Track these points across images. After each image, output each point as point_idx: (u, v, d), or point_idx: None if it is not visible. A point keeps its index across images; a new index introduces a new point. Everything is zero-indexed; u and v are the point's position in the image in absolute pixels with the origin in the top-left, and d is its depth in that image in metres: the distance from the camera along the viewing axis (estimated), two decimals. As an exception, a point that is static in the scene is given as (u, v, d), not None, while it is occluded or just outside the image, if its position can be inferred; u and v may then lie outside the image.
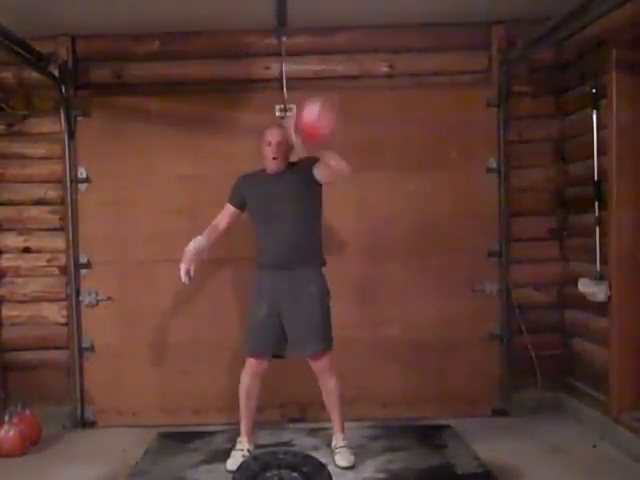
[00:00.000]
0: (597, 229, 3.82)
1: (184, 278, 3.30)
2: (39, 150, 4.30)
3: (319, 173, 3.33)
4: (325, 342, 3.39)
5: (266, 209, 3.42)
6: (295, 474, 2.90)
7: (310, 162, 3.35)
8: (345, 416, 3.52)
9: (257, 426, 3.61)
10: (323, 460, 3.09)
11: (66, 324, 4.30)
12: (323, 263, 3.46)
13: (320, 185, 3.40)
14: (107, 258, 4.25)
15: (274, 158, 3.38)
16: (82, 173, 4.24)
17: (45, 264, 4.32)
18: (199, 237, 3.39)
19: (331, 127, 3.01)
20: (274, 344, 3.40)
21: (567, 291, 4.29)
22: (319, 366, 3.41)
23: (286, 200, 3.37)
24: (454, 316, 4.22)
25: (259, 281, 3.45)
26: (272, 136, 3.39)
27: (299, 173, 3.40)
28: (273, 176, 3.42)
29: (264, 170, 3.47)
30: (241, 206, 3.50)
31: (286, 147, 3.39)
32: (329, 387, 3.45)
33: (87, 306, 4.25)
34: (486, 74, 4.30)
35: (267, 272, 3.41)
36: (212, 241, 3.45)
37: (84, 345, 4.25)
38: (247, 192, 3.48)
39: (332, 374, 3.43)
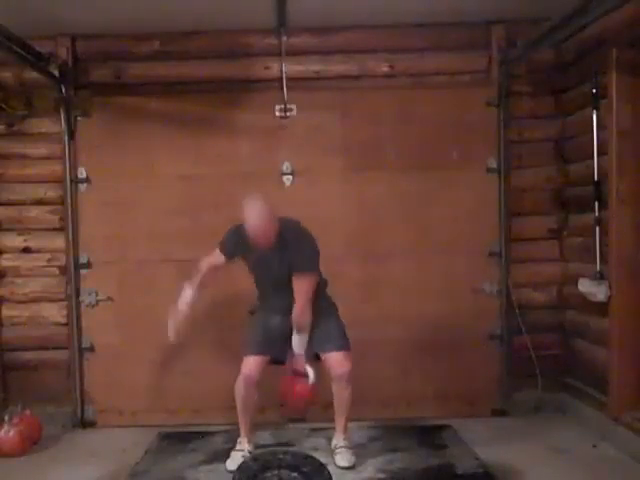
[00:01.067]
0: (597, 229, 3.82)
1: (172, 337, 3.30)
2: (39, 150, 4.30)
3: (294, 279, 3.27)
4: (345, 341, 3.40)
5: (263, 271, 3.38)
6: (295, 474, 2.90)
7: (299, 265, 3.26)
8: (348, 421, 3.52)
9: (257, 426, 3.61)
10: (323, 460, 3.09)
11: (66, 324, 4.30)
12: (325, 284, 3.48)
13: None
14: (107, 258, 4.25)
15: (262, 241, 3.20)
16: (82, 173, 4.24)
17: (45, 264, 4.32)
18: (188, 291, 3.34)
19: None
20: (277, 349, 3.39)
21: (567, 291, 4.29)
22: (340, 371, 3.35)
23: (276, 271, 3.31)
24: (454, 316, 4.22)
25: (265, 301, 3.48)
26: (256, 221, 3.13)
27: (287, 259, 3.26)
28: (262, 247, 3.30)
29: None
30: (232, 259, 3.41)
31: (272, 225, 3.18)
32: (343, 397, 3.41)
33: (87, 306, 4.25)
34: (486, 74, 4.29)
35: (270, 313, 3.44)
36: (202, 287, 3.40)
37: (84, 345, 4.25)
38: (241, 251, 3.37)
39: (349, 384, 3.38)
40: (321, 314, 3.35)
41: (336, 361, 3.36)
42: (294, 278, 3.27)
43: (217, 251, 3.41)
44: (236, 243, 3.35)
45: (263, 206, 3.17)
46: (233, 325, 4.09)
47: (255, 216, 3.14)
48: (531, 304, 4.32)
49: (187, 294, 3.35)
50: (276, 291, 3.38)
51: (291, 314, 3.27)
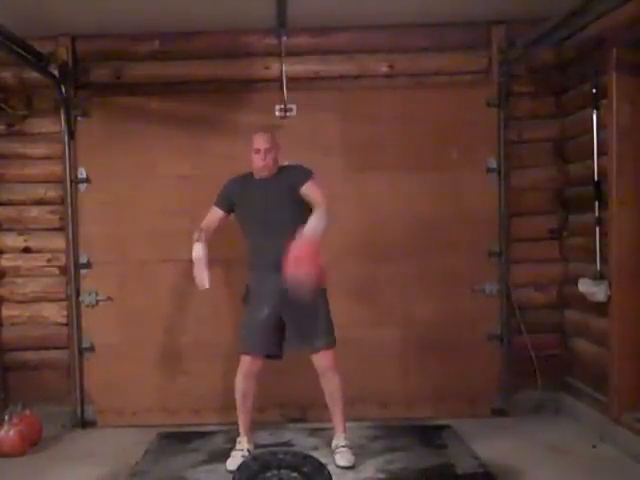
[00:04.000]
0: (597, 229, 3.82)
1: (206, 284, 3.31)
2: (39, 150, 4.30)
3: (305, 194, 3.36)
4: (331, 337, 3.42)
5: (255, 213, 3.44)
6: (295, 474, 2.90)
7: (300, 177, 3.38)
8: (346, 416, 3.51)
9: (257, 426, 3.61)
10: (323, 460, 3.08)
11: (66, 324, 4.30)
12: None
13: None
14: (107, 258, 4.25)
15: (262, 165, 3.42)
16: (82, 173, 4.24)
17: (45, 264, 4.32)
18: (198, 243, 3.37)
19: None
20: (271, 344, 3.41)
21: (567, 291, 4.29)
22: (324, 364, 3.41)
23: (274, 205, 3.39)
24: (454, 316, 4.22)
25: (257, 282, 3.45)
26: (260, 143, 3.43)
27: (287, 182, 3.41)
28: (261, 180, 3.45)
29: (252, 173, 3.50)
30: (229, 210, 3.53)
31: (275, 153, 3.44)
32: (332, 386, 3.44)
33: (87, 306, 4.25)
34: (486, 74, 4.30)
35: (262, 274, 3.41)
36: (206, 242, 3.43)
37: (84, 345, 4.25)
38: (235, 196, 3.51)
39: (335, 373, 3.43)
40: (311, 302, 3.33)
41: (323, 357, 3.40)
42: (302, 190, 3.35)
43: (213, 208, 3.53)
44: (232, 187, 3.54)
45: (272, 136, 3.49)
46: (233, 326, 4.09)
47: (263, 137, 3.45)
48: (531, 304, 4.32)
49: (199, 246, 3.35)
50: (269, 239, 3.35)
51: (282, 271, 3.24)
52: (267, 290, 3.38)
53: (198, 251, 3.35)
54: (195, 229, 3.43)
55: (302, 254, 3.09)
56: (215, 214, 3.53)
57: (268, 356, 3.44)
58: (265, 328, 3.39)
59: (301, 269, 3.07)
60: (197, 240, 3.37)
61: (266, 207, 3.41)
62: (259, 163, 3.43)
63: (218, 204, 3.53)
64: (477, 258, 4.25)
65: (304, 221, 3.34)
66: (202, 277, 3.33)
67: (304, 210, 3.36)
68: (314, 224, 3.19)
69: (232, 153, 4.13)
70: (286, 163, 3.56)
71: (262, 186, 3.44)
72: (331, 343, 3.42)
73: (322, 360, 3.41)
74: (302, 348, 3.41)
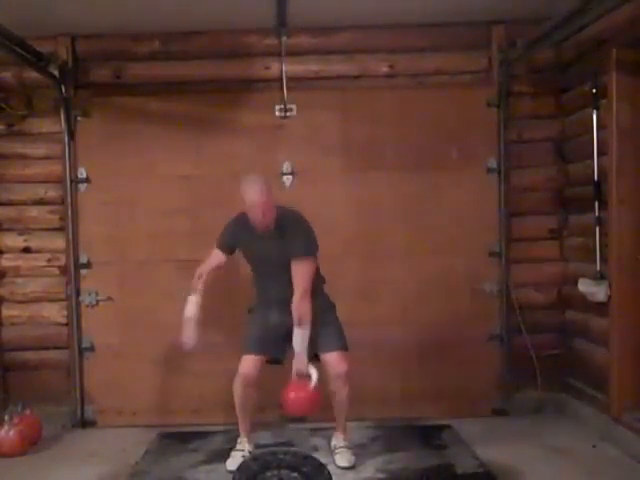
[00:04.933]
0: (597, 229, 3.82)
1: (191, 344, 3.29)
2: (39, 150, 4.30)
3: (292, 268, 3.27)
4: (344, 341, 3.40)
5: (256, 257, 3.41)
6: (295, 474, 2.90)
7: (296, 249, 3.27)
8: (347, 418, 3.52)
9: (257, 426, 3.61)
10: (323, 460, 3.08)
11: (66, 324, 4.30)
12: (323, 281, 3.48)
13: None
14: (107, 258, 4.25)
15: (260, 224, 3.26)
16: (82, 173, 4.24)
17: (45, 264, 4.32)
18: (192, 297, 3.35)
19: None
20: (276, 348, 3.39)
21: (567, 291, 4.29)
22: (338, 370, 3.34)
23: (274, 255, 3.31)
24: (454, 316, 4.21)
25: (261, 312, 3.46)
26: (254, 197, 3.20)
27: (284, 245, 3.28)
28: (260, 231, 3.33)
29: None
30: (231, 252, 3.46)
31: (270, 202, 3.24)
32: (341, 395, 3.40)
33: (87, 306, 4.25)
34: (486, 74, 4.30)
35: (266, 309, 3.42)
36: (205, 288, 3.40)
37: (84, 345, 4.25)
38: (238, 242, 3.43)
39: (346, 383, 3.38)
40: (320, 313, 3.34)
41: (335, 360, 3.36)
42: (292, 264, 3.26)
43: (215, 250, 3.44)
44: (233, 233, 3.43)
45: (262, 183, 3.23)
46: (233, 325, 4.08)
47: (254, 191, 3.20)
48: (531, 304, 4.32)
49: (192, 300, 3.34)
50: (274, 281, 3.36)
51: (290, 307, 3.24)
52: (272, 325, 3.39)
53: (190, 309, 3.32)
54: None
55: (301, 394, 3.23)
56: (217, 257, 3.44)
57: (271, 361, 3.42)
58: (271, 332, 3.37)
59: (300, 407, 3.27)
60: (194, 291, 3.34)
61: (266, 255, 3.35)
62: (257, 221, 3.25)
63: (220, 247, 3.44)
64: (477, 258, 4.25)
65: None
66: (189, 337, 3.30)
67: None
68: (299, 341, 3.21)
69: (232, 153, 4.14)
70: (286, 212, 3.36)
71: (261, 236, 3.33)
72: (344, 346, 3.40)
73: (336, 363, 3.34)
74: (314, 351, 3.35)
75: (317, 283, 3.40)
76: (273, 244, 3.31)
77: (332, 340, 3.37)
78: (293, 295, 3.24)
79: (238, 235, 3.42)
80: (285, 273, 3.27)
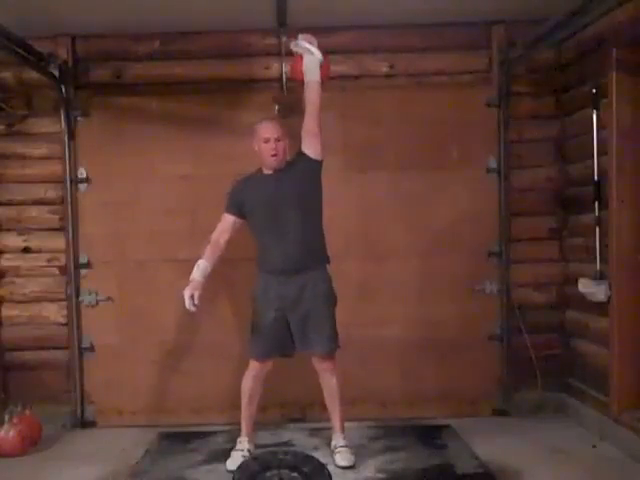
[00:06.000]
0: (597, 229, 3.82)
1: (189, 305, 3.20)
2: (39, 150, 4.30)
3: (307, 145, 3.33)
4: (334, 342, 3.40)
5: (268, 212, 3.32)
6: (295, 474, 2.89)
7: (303, 154, 3.33)
8: (345, 416, 3.51)
9: (258, 426, 3.61)
10: (323, 460, 3.09)
11: (66, 324, 4.30)
12: (328, 261, 3.44)
13: (319, 176, 3.37)
14: (107, 258, 4.25)
15: (274, 155, 3.29)
16: (82, 173, 4.24)
17: (45, 264, 4.32)
18: (201, 261, 3.31)
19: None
20: (281, 347, 3.39)
21: (567, 291, 4.29)
22: (324, 366, 3.40)
23: (289, 199, 3.29)
24: (454, 316, 4.22)
25: (264, 285, 3.39)
26: (269, 132, 3.30)
27: (298, 167, 3.33)
28: (272, 175, 3.35)
29: (260, 170, 3.42)
30: (240, 214, 3.39)
31: (285, 142, 3.33)
32: (331, 386, 3.44)
33: (87, 306, 4.25)
34: (486, 74, 4.30)
35: (273, 277, 3.35)
36: (215, 260, 3.35)
37: (84, 345, 4.25)
38: (245, 197, 3.38)
39: (334, 374, 3.42)
40: (316, 299, 3.32)
41: (323, 361, 3.40)
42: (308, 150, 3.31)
43: (224, 215, 3.42)
44: (239, 189, 3.42)
45: (278, 119, 3.46)
46: (234, 325, 4.09)
47: (271, 126, 3.35)
48: (531, 304, 4.32)
49: (201, 264, 3.30)
50: (280, 239, 3.29)
51: (295, 277, 3.26)
52: (273, 292, 3.34)
53: (196, 272, 3.26)
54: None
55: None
56: (226, 222, 3.39)
57: (281, 355, 3.42)
58: (273, 333, 3.36)
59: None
60: (204, 257, 3.31)
61: (277, 205, 3.30)
62: (269, 154, 3.28)
63: (227, 210, 3.40)
64: (477, 258, 4.25)
65: (316, 222, 3.36)
66: (190, 300, 3.20)
67: (317, 210, 3.37)
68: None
69: (232, 153, 4.14)
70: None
71: (272, 181, 3.32)
72: (333, 350, 3.40)
73: (322, 364, 3.40)
74: (304, 351, 3.39)
75: (323, 255, 3.41)
76: (285, 183, 3.30)
77: (323, 341, 3.36)
78: (304, 242, 3.27)
79: (244, 190, 3.39)
80: (294, 230, 3.25)
